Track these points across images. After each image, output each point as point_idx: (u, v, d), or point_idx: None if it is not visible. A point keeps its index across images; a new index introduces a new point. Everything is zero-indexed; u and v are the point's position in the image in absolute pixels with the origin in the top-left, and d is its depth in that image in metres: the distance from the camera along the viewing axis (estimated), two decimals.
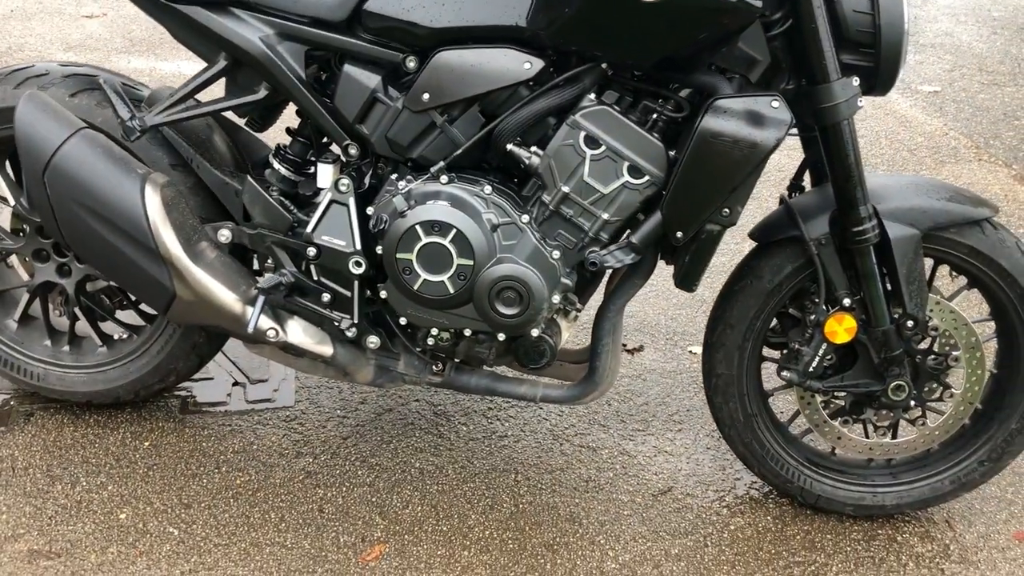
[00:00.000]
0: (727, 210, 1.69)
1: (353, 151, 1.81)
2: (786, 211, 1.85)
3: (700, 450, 2.20)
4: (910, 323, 1.83)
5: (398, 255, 1.73)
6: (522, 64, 1.67)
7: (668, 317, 2.66)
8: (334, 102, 1.78)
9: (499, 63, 1.67)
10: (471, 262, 1.71)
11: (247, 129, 1.99)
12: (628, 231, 1.74)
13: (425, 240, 1.71)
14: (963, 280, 1.92)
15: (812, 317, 1.84)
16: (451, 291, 1.73)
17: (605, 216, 1.71)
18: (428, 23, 1.70)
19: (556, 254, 1.73)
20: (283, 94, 1.81)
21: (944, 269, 1.90)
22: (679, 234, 1.70)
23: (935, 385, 1.91)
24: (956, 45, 4.78)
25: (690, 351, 2.53)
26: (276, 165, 1.89)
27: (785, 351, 1.93)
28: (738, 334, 1.90)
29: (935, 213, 1.79)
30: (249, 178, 1.85)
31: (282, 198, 1.86)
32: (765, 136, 1.61)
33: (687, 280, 1.77)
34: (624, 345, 2.54)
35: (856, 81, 1.68)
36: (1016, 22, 5.10)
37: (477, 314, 1.76)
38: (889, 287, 1.82)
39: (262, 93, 1.80)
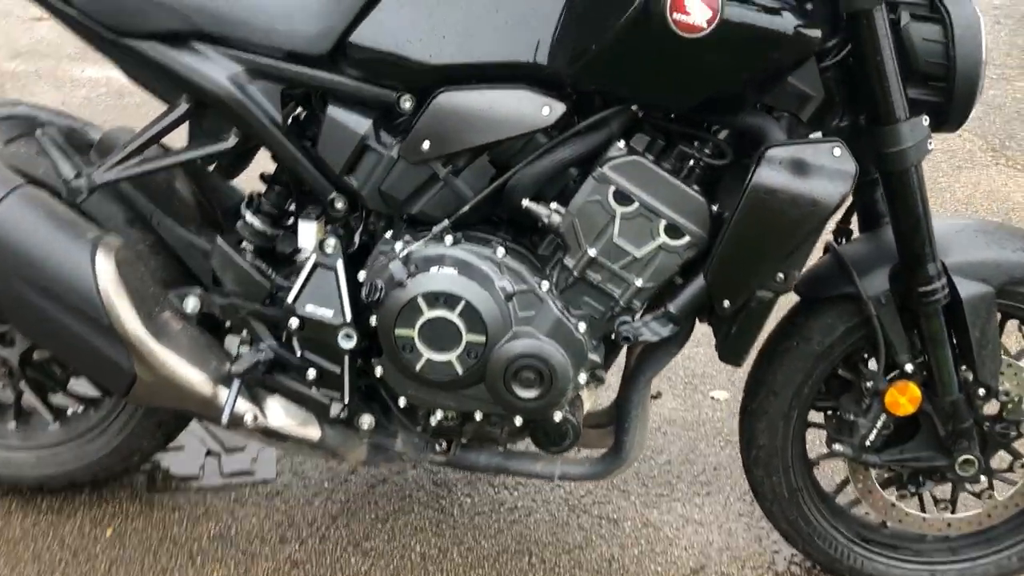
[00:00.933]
0: (782, 275, 1.45)
1: (340, 204, 1.55)
2: (837, 262, 1.62)
3: (732, 517, 1.98)
4: (981, 391, 1.61)
5: (397, 331, 1.48)
6: (540, 108, 1.42)
7: (685, 357, 2.42)
8: (317, 149, 1.52)
9: (513, 107, 1.42)
10: (483, 338, 1.46)
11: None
12: (665, 297, 1.50)
13: (429, 314, 1.46)
14: None
15: (869, 384, 1.62)
16: (460, 371, 1.49)
17: (639, 283, 1.47)
18: (427, 59, 1.44)
19: (582, 326, 1.49)
20: (256, 140, 1.55)
21: (1012, 323, 1.68)
22: (726, 304, 1.46)
23: (1004, 455, 1.69)
24: None
25: (712, 396, 2.30)
26: (249, 217, 1.63)
27: (833, 415, 1.71)
28: (783, 402, 1.67)
29: (1010, 267, 1.57)
30: (219, 240, 1.59)
31: (258, 261, 1.60)
32: (828, 192, 1.38)
33: (733, 354, 1.54)
34: None
35: (926, 121, 1.45)
36: (1019, 11, 4.89)
37: (490, 396, 1.51)
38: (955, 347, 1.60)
39: (232, 140, 1.54)
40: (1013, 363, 1.65)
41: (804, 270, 1.66)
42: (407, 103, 1.49)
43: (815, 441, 1.77)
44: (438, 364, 1.48)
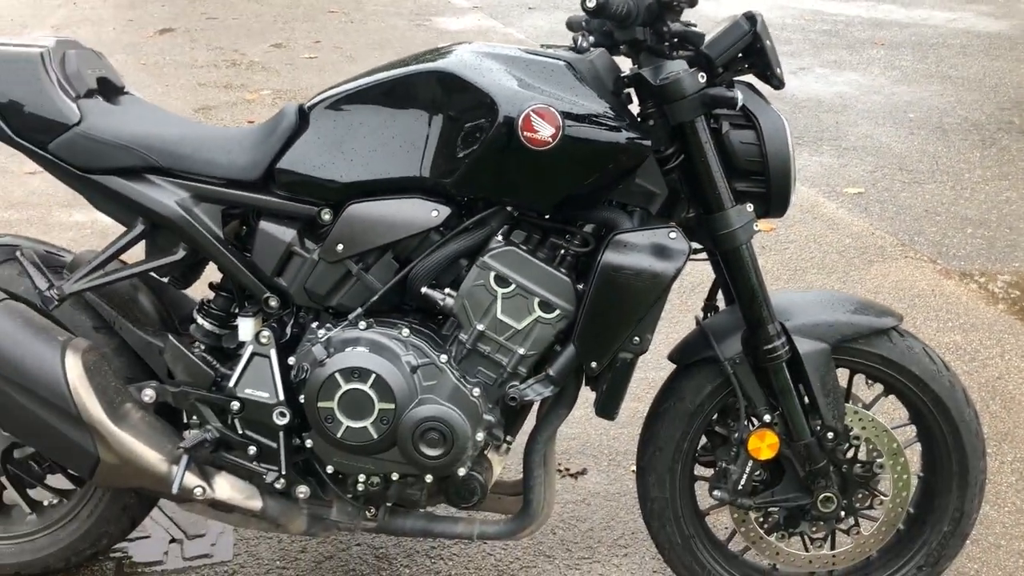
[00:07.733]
0: (637, 338, 1.73)
1: (273, 303, 1.84)
2: (700, 332, 1.90)
3: (647, 574, 2.19)
4: (831, 434, 1.86)
5: (319, 404, 1.75)
6: (429, 212, 1.73)
7: (610, 437, 2.67)
8: (252, 257, 1.83)
9: (407, 213, 1.74)
10: (392, 406, 1.73)
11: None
12: (546, 364, 1.78)
13: (345, 387, 1.73)
14: (879, 387, 1.96)
15: (736, 435, 1.87)
16: (374, 436, 1.74)
17: (521, 351, 1.75)
18: (339, 178, 1.76)
19: (476, 391, 1.76)
20: (202, 253, 1.85)
21: (860, 378, 1.95)
22: (593, 364, 1.74)
23: (865, 493, 1.93)
24: (876, 147, 4.99)
25: (633, 471, 2.53)
26: (200, 320, 1.92)
27: (716, 469, 1.95)
28: (667, 456, 1.92)
29: (841, 326, 1.85)
30: (170, 337, 1.87)
31: (205, 355, 1.88)
32: (665, 267, 1.68)
33: (606, 408, 1.80)
34: (568, 469, 2.54)
35: (750, 207, 1.76)
36: (931, 122, 5.35)
37: (403, 457, 1.76)
38: (807, 401, 1.86)
39: (181, 254, 1.85)
40: (859, 411, 1.91)
41: (676, 341, 1.96)
42: (326, 215, 1.80)
43: (706, 497, 2.00)
44: (356, 431, 1.74)
